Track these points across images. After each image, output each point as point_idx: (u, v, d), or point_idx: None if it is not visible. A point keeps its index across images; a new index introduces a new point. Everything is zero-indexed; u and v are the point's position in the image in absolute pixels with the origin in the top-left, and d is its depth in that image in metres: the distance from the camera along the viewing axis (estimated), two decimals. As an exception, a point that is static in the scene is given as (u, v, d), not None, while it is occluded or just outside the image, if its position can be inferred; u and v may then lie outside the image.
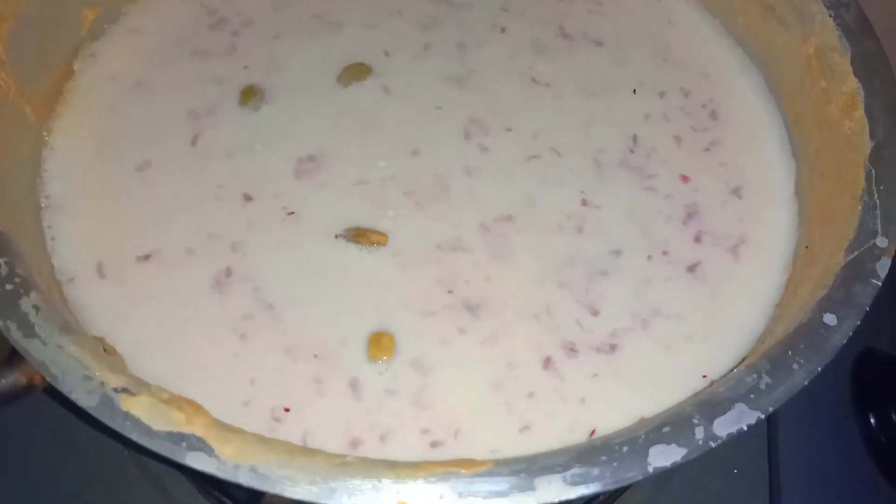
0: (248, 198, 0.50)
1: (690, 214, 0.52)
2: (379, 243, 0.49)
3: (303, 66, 0.56)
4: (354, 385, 0.44)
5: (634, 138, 0.54)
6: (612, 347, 0.46)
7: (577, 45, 0.59)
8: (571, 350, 0.46)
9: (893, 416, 0.63)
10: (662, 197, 0.52)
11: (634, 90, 0.57)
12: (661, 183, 0.53)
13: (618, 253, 0.50)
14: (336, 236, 0.49)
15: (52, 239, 0.49)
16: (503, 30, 0.59)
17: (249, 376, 0.44)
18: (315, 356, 0.45)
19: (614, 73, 0.58)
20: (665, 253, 0.50)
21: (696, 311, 0.48)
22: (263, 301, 0.47)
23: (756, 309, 0.48)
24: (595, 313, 0.47)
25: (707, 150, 0.54)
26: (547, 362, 0.46)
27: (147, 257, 0.48)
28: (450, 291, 0.47)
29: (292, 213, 0.50)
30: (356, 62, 0.56)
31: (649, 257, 0.50)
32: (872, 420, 0.63)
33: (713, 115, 0.56)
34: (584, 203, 0.51)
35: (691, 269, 0.49)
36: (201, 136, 0.53)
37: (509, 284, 0.48)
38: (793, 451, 0.61)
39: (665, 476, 0.59)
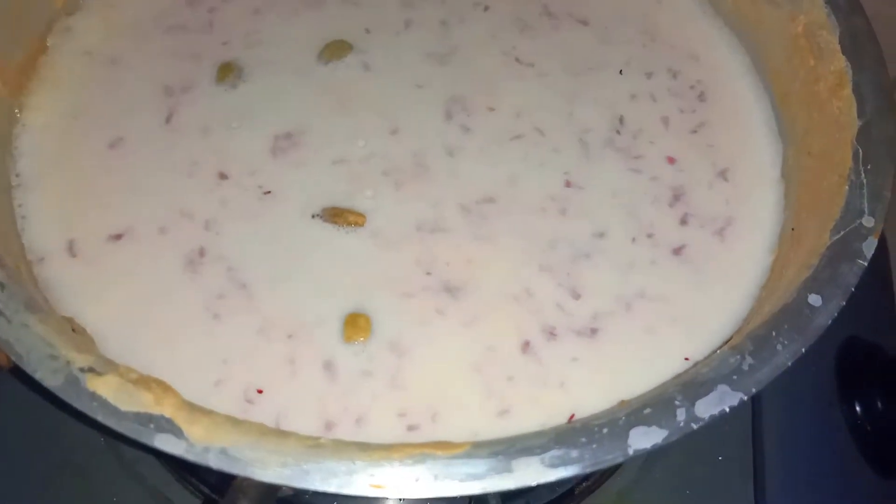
0: (223, 176, 0.49)
1: (677, 196, 0.51)
2: (356, 223, 0.48)
3: (282, 43, 0.55)
4: (329, 366, 0.43)
5: (621, 119, 0.53)
6: (593, 331, 0.45)
7: (561, 23, 0.58)
8: (551, 334, 0.45)
9: (878, 404, 0.63)
10: (648, 178, 0.51)
11: (621, 70, 0.56)
12: (647, 164, 0.52)
13: (601, 235, 0.49)
14: (313, 216, 0.48)
15: (23, 217, 0.48)
16: (486, 8, 0.58)
17: (222, 356, 0.43)
18: (289, 336, 0.44)
19: (600, 52, 0.57)
20: (650, 235, 0.49)
21: (680, 293, 0.47)
22: (237, 280, 0.46)
23: (740, 291, 0.47)
24: (576, 297, 0.46)
25: (694, 131, 0.54)
26: (526, 346, 0.45)
27: (119, 236, 0.47)
28: (428, 273, 0.46)
29: (269, 192, 0.49)
30: (337, 39, 0.55)
31: (634, 240, 0.49)
32: (857, 408, 0.63)
33: (701, 97, 0.55)
34: (568, 184, 0.50)
35: (677, 251, 0.49)
36: (176, 113, 0.52)
37: (490, 266, 0.47)
38: (777, 439, 0.61)
39: (649, 463, 0.58)
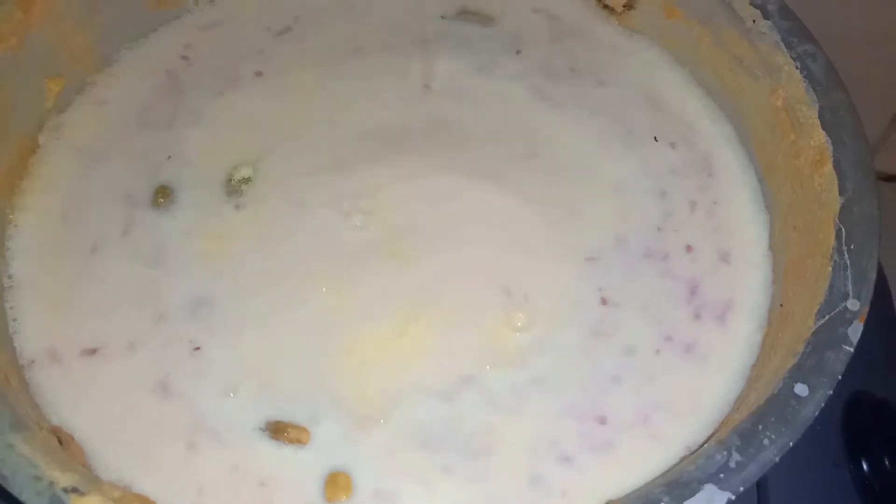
0: (160, 317, 0.47)
1: (692, 291, 0.49)
2: (298, 441, 0.43)
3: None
4: None
5: (663, 195, 0.52)
6: (609, 444, 0.44)
7: (583, 80, 0.58)
8: (565, 459, 0.43)
9: (887, 463, 0.61)
10: (672, 279, 0.50)
11: (655, 137, 0.55)
12: (673, 263, 0.50)
13: (630, 352, 0.47)
14: (260, 429, 0.44)
15: (14, 320, 0.48)
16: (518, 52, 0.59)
17: (197, 485, 0.42)
18: (261, 484, 0.42)
19: (624, 115, 0.56)
20: (669, 338, 0.47)
21: (687, 388, 0.46)
22: (204, 424, 0.44)
23: (735, 372, 0.47)
24: (602, 422, 0.45)
25: (709, 213, 0.52)
26: (536, 480, 0.43)
27: (93, 351, 0.46)
28: (423, 443, 0.44)
29: (198, 348, 0.46)
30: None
31: (658, 351, 0.47)
32: (865, 467, 0.62)
33: (710, 172, 0.54)
34: (604, 302, 0.49)
35: (689, 349, 0.47)
36: (130, 228, 0.51)
37: (511, 432, 0.44)
38: (783, 499, 0.60)
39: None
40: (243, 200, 0.51)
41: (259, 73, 0.57)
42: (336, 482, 0.42)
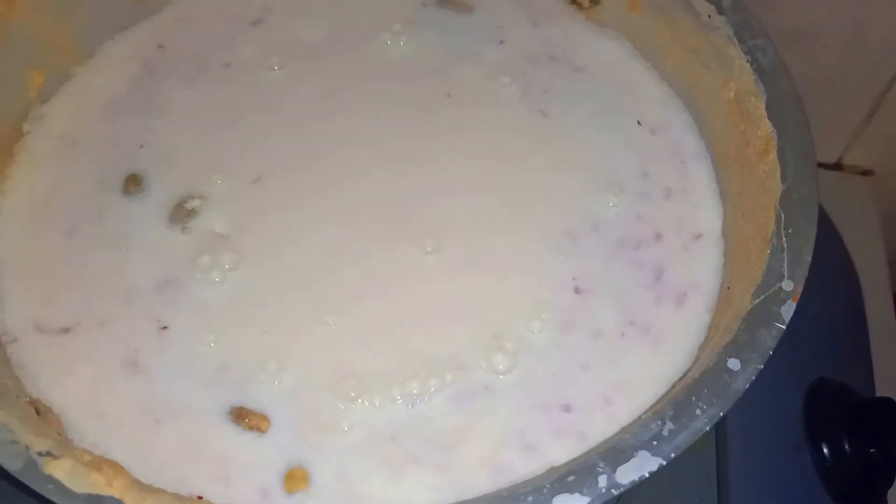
0: (128, 300, 0.49)
1: (657, 277, 0.51)
2: (258, 429, 0.44)
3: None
4: (265, 495, 0.43)
5: (646, 177, 0.54)
6: (572, 430, 0.45)
7: (561, 66, 0.60)
8: (529, 447, 0.45)
9: (846, 446, 0.63)
10: (642, 264, 0.51)
11: (639, 122, 0.57)
12: (644, 249, 0.52)
13: (597, 335, 0.48)
14: (215, 410, 0.45)
15: (-2, 300, 0.50)
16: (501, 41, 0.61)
17: (161, 457, 0.44)
18: (219, 459, 0.44)
19: (604, 99, 0.58)
20: (632, 322, 0.49)
21: (643, 370, 0.47)
22: (169, 401, 0.46)
23: (686, 353, 0.48)
24: (567, 410, 0.46)
25: (680, 200, 0.54)
26: (497, 470, 0.44)
27: (68, 329, 0.48)
28: (392, 437, 0.44)
29: (165, 327, 0.48)
30: None
31: (622, 335, 0.48)
32: (825, 450, 0.63)
33: (682, 160, 0.55)
34: (577, 291, 0.50)
35: (646, 331, 0.49)
36: (102, 214, 0.53)
37: (476, 430, 0.45)
38: (744, 485, 0.61)
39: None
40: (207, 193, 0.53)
41: (227, 65, 0.59)
42: (294, 475, 0.43)
